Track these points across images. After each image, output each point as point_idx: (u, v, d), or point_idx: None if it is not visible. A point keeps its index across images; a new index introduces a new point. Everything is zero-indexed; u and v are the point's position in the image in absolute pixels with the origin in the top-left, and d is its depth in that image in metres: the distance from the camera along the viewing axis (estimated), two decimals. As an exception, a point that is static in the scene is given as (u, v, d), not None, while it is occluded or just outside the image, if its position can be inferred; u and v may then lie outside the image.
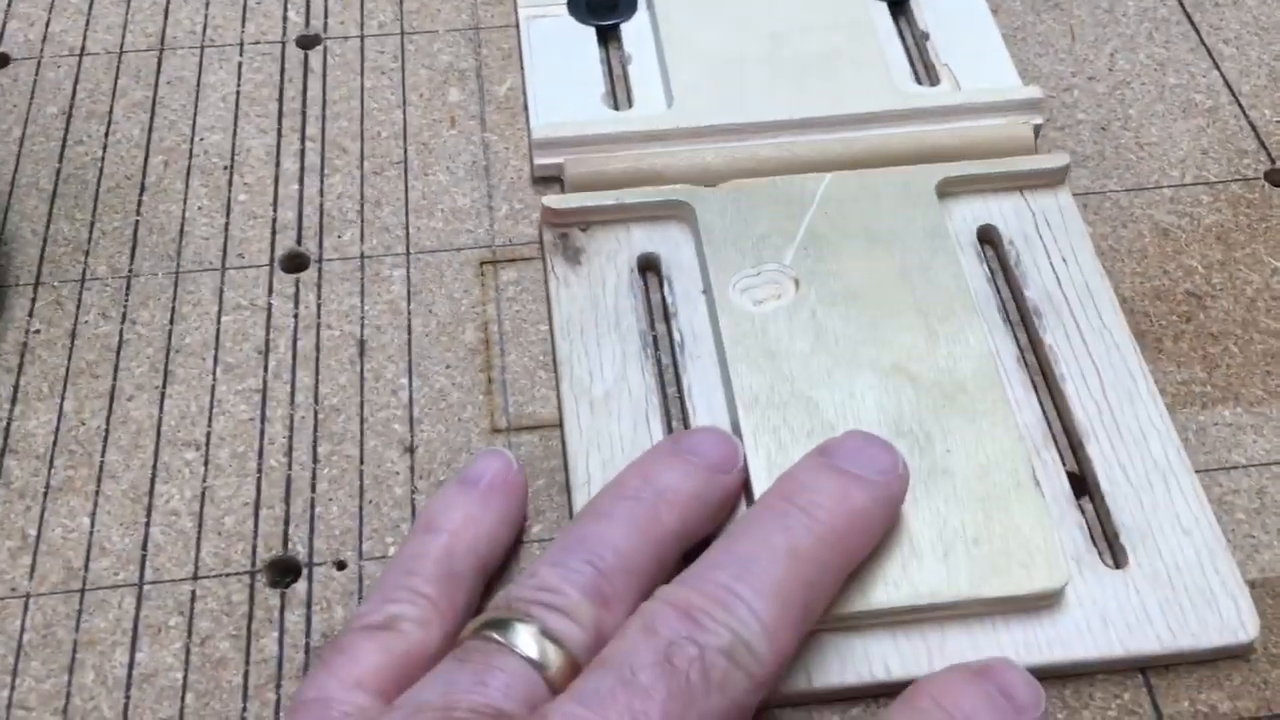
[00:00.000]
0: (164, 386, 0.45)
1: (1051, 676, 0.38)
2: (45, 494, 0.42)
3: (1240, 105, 0.54)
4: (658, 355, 0.45)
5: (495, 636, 0.34)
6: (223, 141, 0.53)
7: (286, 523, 0.42)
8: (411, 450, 0.43)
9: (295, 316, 0.47)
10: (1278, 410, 0.44)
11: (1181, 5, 0.58)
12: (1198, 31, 0.57)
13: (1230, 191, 0.51)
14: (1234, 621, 0.39)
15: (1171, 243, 0.49)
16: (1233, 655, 0.39)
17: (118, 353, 0.46)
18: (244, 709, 0.38)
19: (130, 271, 0.48)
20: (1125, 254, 0.49)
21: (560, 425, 0.44)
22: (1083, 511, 0.42)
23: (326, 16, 0.57)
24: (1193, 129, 0.53)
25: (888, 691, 0.38)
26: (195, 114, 0.54)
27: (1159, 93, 0.54)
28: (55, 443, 0.44)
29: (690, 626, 0.33)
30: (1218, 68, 0.55)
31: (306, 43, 0.56)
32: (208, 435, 0.44)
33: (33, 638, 0.39)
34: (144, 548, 0.41)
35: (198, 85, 0.55)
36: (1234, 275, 0.48)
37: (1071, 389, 0.44)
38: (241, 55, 0.56)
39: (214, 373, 0.45)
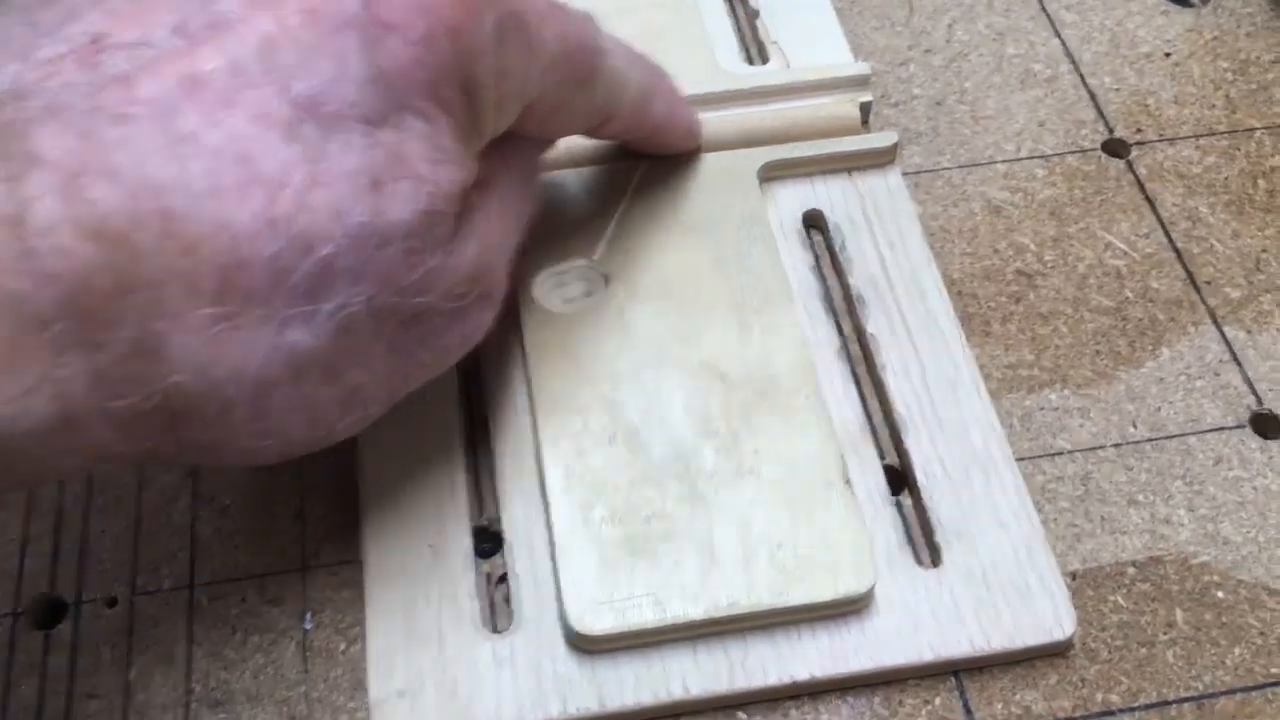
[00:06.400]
0: (-66, 415, 0.42)
1: (860, 685, 0.37)
2: None
3: (1080, 74, 0.52)
4: (462, 360, 0.43)
5: None
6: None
7: (55, 559, 0.39)
8: (193, 473, 0.41)
9: (81, 334, 0.44)
10: (1105, 391, 0.43)
11: (1024, -28, 0.56)
12: (1039, -2, 0.55)
13: (1066, 164, 0.49)
14: (1049, 619, 0.37)
15: (1004, 220, 0.48)
16: (1049, 653, 0.37)
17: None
18: (2, 762, 0.36)
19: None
20: (955, 234, 0.47)
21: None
22: (900, 508, 0.40)
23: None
24: (1030, 100, 0.51)
25: (686, 710, 0.36)
26: None
27: (997, 64, 0.53)
28: None
29: None
30: (1058, 35, 0.54)
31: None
32: (-22, 466, 0.41)
33: None
34: (-99, 591, 0.38)
35: None
36: (1066, 251, 0.47)
37: (892, 379, 0.42)
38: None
39: (-11, 398, 0.43)
